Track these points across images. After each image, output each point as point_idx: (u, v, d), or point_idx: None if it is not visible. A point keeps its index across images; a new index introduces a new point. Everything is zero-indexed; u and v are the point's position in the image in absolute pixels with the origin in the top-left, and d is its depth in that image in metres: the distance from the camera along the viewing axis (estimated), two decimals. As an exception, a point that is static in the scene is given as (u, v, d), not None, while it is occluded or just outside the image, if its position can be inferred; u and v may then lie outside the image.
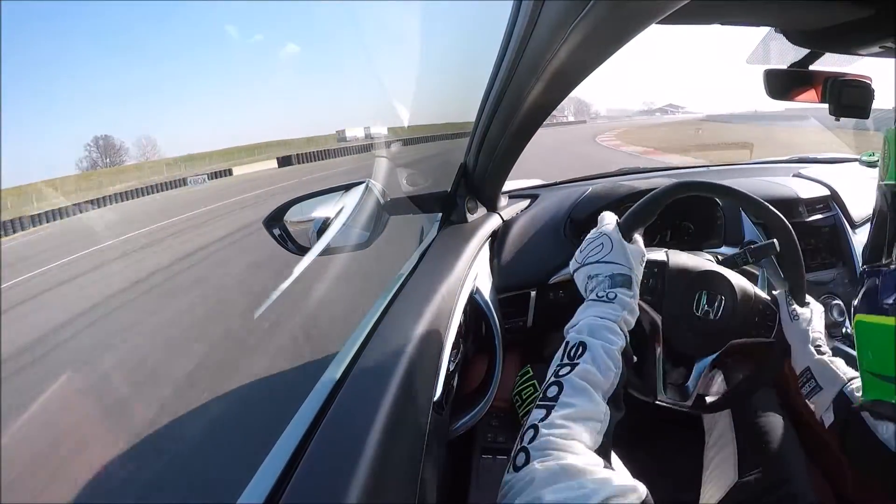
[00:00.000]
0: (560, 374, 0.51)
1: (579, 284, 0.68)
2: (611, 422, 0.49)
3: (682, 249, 0.85)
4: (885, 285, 0.44)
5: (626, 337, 0.57)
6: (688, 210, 1.03)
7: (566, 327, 0.60)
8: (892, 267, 0.43)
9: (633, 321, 0.60)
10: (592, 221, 1.02)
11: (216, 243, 7.04)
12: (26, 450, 2.42)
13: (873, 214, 0.50)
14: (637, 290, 0.64)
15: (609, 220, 0.70)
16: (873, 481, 0.62)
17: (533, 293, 1.00)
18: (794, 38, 0.68)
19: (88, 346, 3.74)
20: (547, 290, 1.01)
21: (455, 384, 0.73)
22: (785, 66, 0.78)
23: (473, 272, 0.82)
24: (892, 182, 0.45)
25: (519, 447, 0.46)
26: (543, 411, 0.48)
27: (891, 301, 0.42)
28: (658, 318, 0.74)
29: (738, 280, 0.75)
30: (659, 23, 0.43)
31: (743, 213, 1.06)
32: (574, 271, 0.69)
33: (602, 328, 0.56)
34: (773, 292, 0.77)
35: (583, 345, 0.54)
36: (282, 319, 3.31)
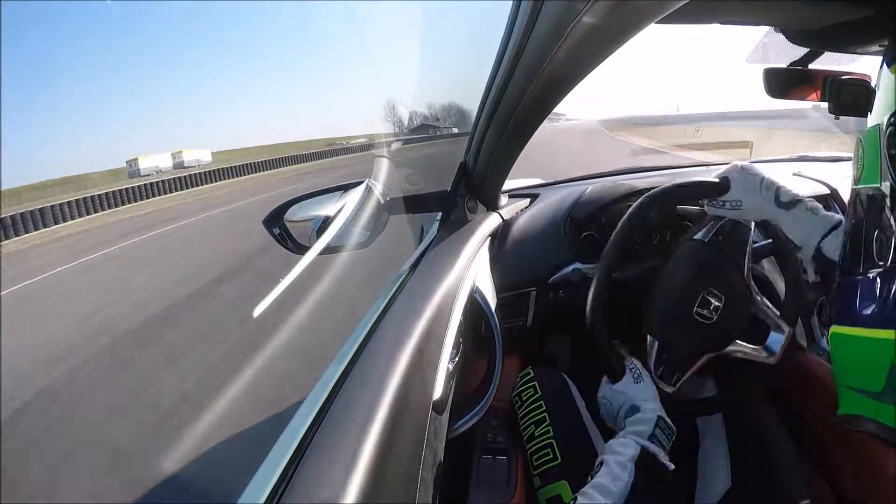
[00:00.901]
0: (583, 489, 0.60)
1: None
2: None
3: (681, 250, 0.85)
4: (862, 295, 0.41)
5: (641, 447, 0.64)
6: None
7: None
8: (871, 276, 0.40)
9: (646, 429, 0.67)
10: (593, 220, 1.03)
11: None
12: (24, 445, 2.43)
13: (847, 220, 0.47)
14: (647, 404, 0.71)
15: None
16: (874, 484, 0.62)
17: (533, 293, 1.00)
18: (794, 37, 0.68)
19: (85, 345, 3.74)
20: (547, 289, 1.01)
21: (455, 384, 0.73)
22: (784, 65, 0.78)
23: (473, 271, 0.82)
24: (865, 185, 0.43)
25: None
26: None
27: (869, 311, 0.40)
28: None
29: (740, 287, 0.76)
30: (659, 22, 0.43)
31: None
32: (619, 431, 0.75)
33: (614, 444, 0.65)
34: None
35: (601, 463, 0.63)
36: (281, 318, 3.31)
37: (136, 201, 14.84)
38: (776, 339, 0.76)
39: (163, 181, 16.77)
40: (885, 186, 0.39)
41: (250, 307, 3.89)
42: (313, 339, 3.02)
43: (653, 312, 0.77)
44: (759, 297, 0.78)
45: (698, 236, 0.79)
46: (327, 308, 3.28)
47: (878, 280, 0.40)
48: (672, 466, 0.63)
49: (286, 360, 2.85)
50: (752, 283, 0.78)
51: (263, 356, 2.94)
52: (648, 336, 0.76)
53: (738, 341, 0.77)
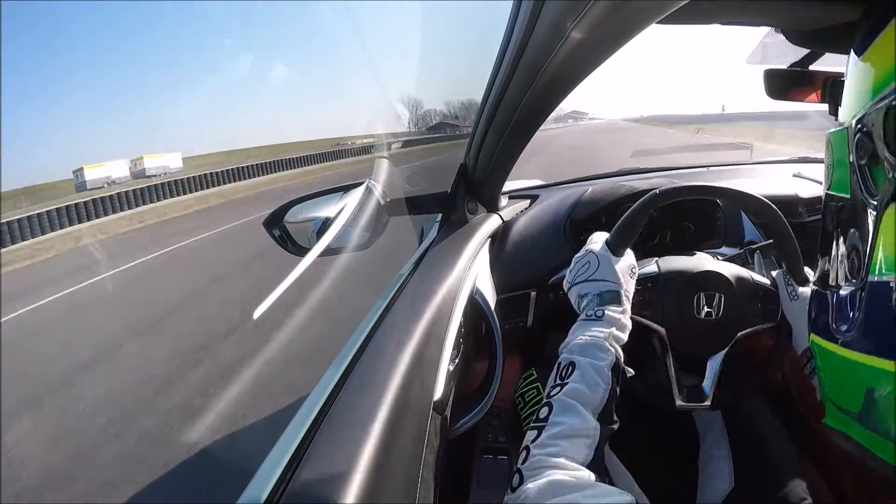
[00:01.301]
0: (551, 394, 0.53)
1: (573, 303, 0.69)
2: (602, 436, 0.50)
3: (682, 249, 0.85)
4: (838, 311, 0.39)
5: (616, 352, 0.58)
6: (687, 210, 1.03)
7: (559, 347, 0.61)
8: (843, 293, 0.38)
9: (624, 336, 0.61)
10: (593, 222, 1.03)
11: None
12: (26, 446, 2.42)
13: (820, 227, 0.44)
14: (628, 304, 0.65)
15: (597, 238, 0.71)
16: (874, 486, 0.61)
17: (533, 293, 1.00)
18: (794, 38, 0.68)
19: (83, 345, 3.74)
20: (547, 290, 1.01)
21: (455, 384, 0.73)
22: (784, 66, 0.78)
23: (473, 272, 0.82)
24: (835, 193, 0.40)
25: (514, 469, 0.47)
26: (535, 432, 0.50)
27: (845, 330, 0.38)
28: (662, 330, 0.74)
29: (732, 271, 0.75)
30: (659, 23, 0.43)
31: (743, 213, 1.06)
32: (567, 291, 0.70)
33: (591, 346, 0.57)
34: (773, 273, 0.77)
35: (572, 364, 0.55)
36: (281, 319, 3.31)
37: (70, 225, 11.46)
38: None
39: (112, 196, 13.58)
40: (857, 199, 0.36)
41: (251, 308, 3.90)
42: (314, 340, 3.02)
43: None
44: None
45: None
46: (328, 309, 3.28)
47: (851, 298, 0.37)
48: (632, 372, 0.59)
49: (286, 360, 2.85)
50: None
51: (264, 357, 2.94)
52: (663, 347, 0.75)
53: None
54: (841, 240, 0.39)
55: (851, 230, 0.38)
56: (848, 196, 0.38)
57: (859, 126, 0.35)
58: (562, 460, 0.46)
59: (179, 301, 4.66)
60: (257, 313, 3.71)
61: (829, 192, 0.41)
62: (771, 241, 0.77)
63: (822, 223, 0.44)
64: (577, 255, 0.71)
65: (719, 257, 0.83)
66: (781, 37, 0.68)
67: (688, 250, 0.86)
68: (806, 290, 0.71)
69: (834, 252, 0.41)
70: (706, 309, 0.73)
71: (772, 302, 0.74)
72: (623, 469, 0.79)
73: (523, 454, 0.48)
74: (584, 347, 0.57)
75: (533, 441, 0.49)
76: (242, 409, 2.41)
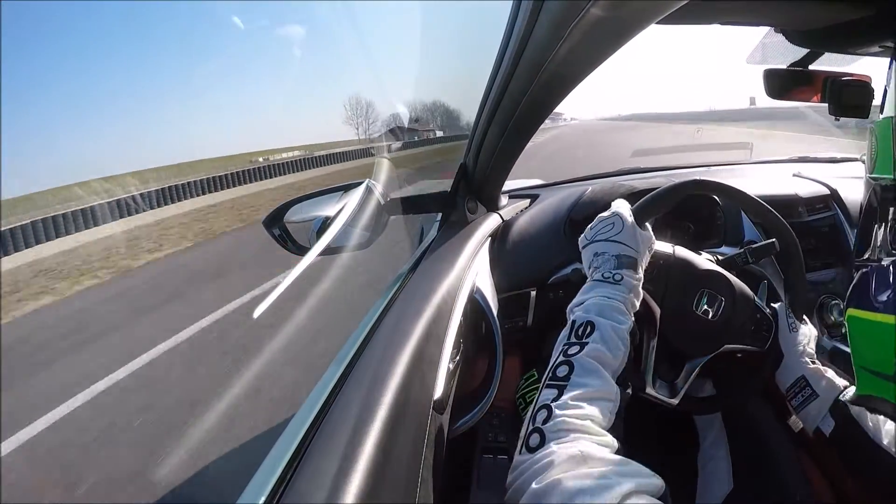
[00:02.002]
0: (570, 353, 0.51)
1: (584, 261, 0.68)
2: (622, 401, 0.49)
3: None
4: (877, 282, 0.43)
5: (632, 318, 0.57)
6: (688, 209, 1.04)
7: (570, 306, 0.60)
8: (885, 263, 0.42)
9: (638, 304, 0.61)
10: (593, 221, 1.03)
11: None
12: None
13: (860, 208, 0.49)
14: (642, 274, 0.64)
15: (623, 205, 0.71)
16: (874, 488, 0.62)
17: (533, 293, 1.00)
18: (794, 37, 0.68)
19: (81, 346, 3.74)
20: (547, 289, 1.01)
21: (455, 384, 0.73)
22: (784, 66, 0.78)
23: (473, 272, 0.82)
24: (879, 175, 0.45)
25: (531, 428, 0.45)
26: (555, 391, 0.47)
27: (884, 298, 0.41)
28: (657, 310, 0.74)
29: (740, 285, 0.75)
30: (659, 23, 0.43)
31: (743, 213, 1.06)
32: (582, 247, 0.69)
33: (610, 308, 0.56)
34: (773, 305, 0.77)
35: (591, 324, 0.54)
36: (281, 319, 3.31)
37: None
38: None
39: None
40: None
41: (251, 309, 3.90)
42: (314, 339, 3.02)
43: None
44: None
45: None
46: (328, 308, 3.28)
47: (893, 268, 0.41)
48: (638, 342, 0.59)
49: (286, 360, 2.85)
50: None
51: (263, 357, 2.94)
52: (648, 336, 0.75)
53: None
54: (884, 218, 0.44)
55: (894, 208, 0.42)
56: (891, 176, 0.42)
57: None
58: (588, 423, 0.44)
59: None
60: (257, 313, 3.71)
61: (873, 176, 0.45)
62: (771, 241, 0.77)
63: (864, 206, 0.47)
64: (601, 215, 0.70)
65: (719, 257, 0.83)
66: (781, 37, 0.68)
67: (688, 250, 0.86)
68: (805, 328, 0.73)
69: (876, 230, 0.45)
70: (705, 307, 0.73)
71: (766, 329, 0.74)
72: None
73: (543, 412, 0.46)
74: (602, 308, 0.56)
75: (554, 400, 0.47)
76: (242, 408, 2.41)
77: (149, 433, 2.39)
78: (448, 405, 0.62)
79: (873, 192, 0.46)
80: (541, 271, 1.01)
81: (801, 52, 0.74)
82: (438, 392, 0.58)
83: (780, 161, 1.55)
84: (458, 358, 0.69)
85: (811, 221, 1.13)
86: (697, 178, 0.74)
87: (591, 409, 0.46)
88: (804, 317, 0.74)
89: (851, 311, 0.46)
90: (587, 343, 0.52)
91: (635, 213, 0.69)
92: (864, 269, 0.45)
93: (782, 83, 0.79)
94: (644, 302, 0.73)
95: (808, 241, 1.11)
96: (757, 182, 1.21)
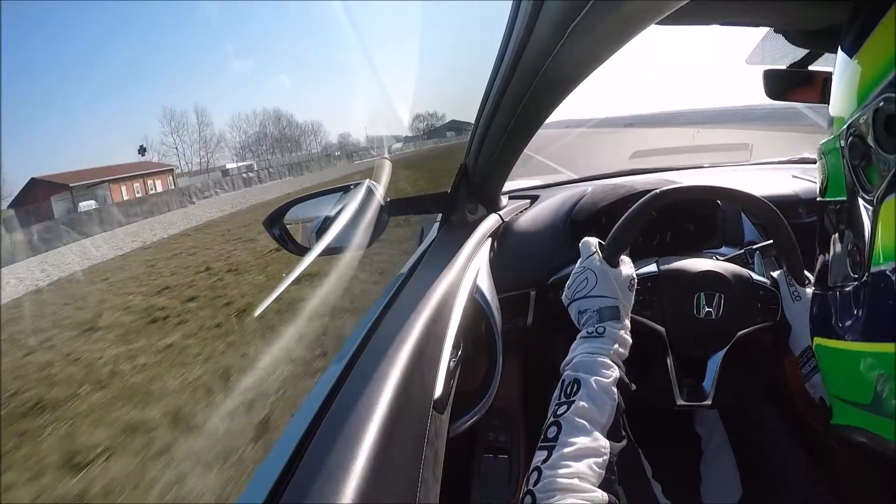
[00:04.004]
0: (558, 413, 0.53)
1: (573, 318, 0.69)
2: (612, 454, 0.50)
3: (681, 249, 0.85)
4: (841, 307, 0.40)
5: (619, 368, 0.58)
6: (687, 211, 1.04)
7: (562, 365, 0.61)
8: (848, 289, 0.39)
9: (625, 352, 0.61)
10: (593, 222, 1.03)
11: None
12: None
13: (817, 231, 0.46)
14: (626, 319, 0.65)
15: (591, 248, 0.70)
16: (874, 470, 0.61)
17: (533, 293, 1.00)
18: (794, 38, 0.68)
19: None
20: (547, 290, 1.01)
21: (455, 383, 0.73)
22: (784, 67, 0.78)
23: (473, 272, 0.82)
24: (832, 198, 0.41)
25: (525, 490, 0.47)
26: (545, 452, 0.49)
27: (849, 324, 0.39)
28: (662, 330, 0.74)
29: (732, 271, 0.75)
30: (659, 23, 0.43)
31: (743, 213, 1.06)
32: (567, 306, 0.70)
33: (594, 364, 0.57)
34: (773, 273, 0.77)
35: (577, 381, 0.55)
36: (282, 319, 3.31)
37: None
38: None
39: None
40: (853, 199, 0.38)
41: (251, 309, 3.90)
42: (314, 338, 3.02)
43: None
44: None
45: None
46: (328, 308, 3.28)
47: (854, 294, 0.38)
48: (634, 387, 0.59)
49: (286, 359, 2.85)
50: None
51: (263, 356, 2.94)
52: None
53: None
54: (840, 241, 0.40)
55: (850, 230, 0.39)
56: (844, 198, 0.39)
57: (851, 129, 0.36)
58: (575, 482, 0.46)
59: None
60: (257, 312, 3.71)
61: (825, 199, 0.42)
62: (771, 241, 0.77)
63: (818, 229, 0.45)
64: (574, 270, 0.71)
65: (719, 257, 0.84)
66: (781, 37, 0.68)
67: (688, 250, 0.86)
68: (808, 291, 0.72)
69: (833, 253, 0.42)
70: (706, 309, 0.73)
71: (772, 301, 0.74)
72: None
73: (534, 475, 0.48)
74: (588, 365, 0.58)
75: (543, 462, 0.48)
76: (242, 408, 2.41)
77: (148, 434, 2.39)
78: (448, 405, 0.62)
79: (826, 216, 0.43)
80: (541, 271, 1.01)
81: (801, 52, 0.74)
82: (438, 392, 0.58)
83: (780, 162, 1.55)
84: (458, 358, 0.69)
85: (811, 222, 1.13)
86: (656, 190, 0.73)
87: (580, 467, 0.47)
88: (807, 277, 0.72)
89: (818, 340, 0.44)
90: (573, 401, 0.53)
91: (606, 253, 0.69)
92: (824, 295, 0.43)
93: (782, 83, 0.79)
94: (647, 327, 0.74)
95: (808, 241, 1.10)
96: (756, 183, 1.21)
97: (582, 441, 0.49)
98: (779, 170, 1.43)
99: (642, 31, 0.43)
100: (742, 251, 0.84)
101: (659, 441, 0.94)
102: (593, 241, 0.71)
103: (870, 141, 0.34)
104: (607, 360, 0.58)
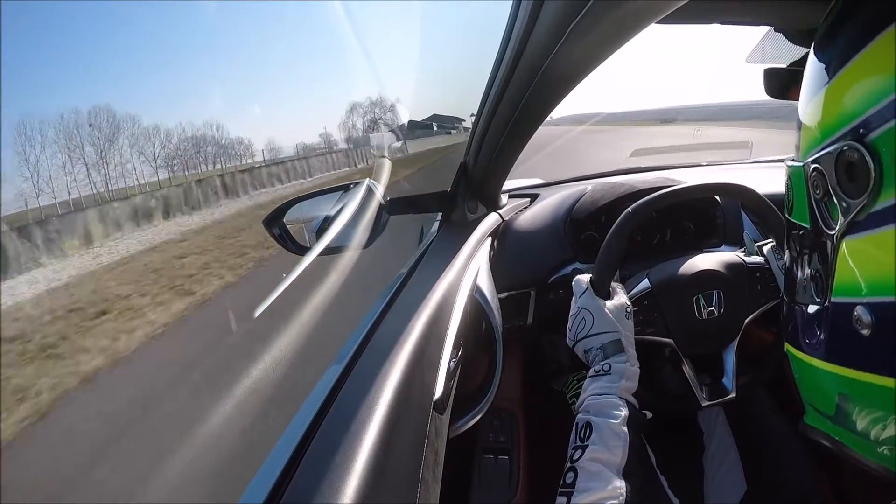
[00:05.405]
0: (574, 458, 0.55)
1: (581, 358, 0.70)
2: (629, 493, 0.52)
3: (681, 249, 0.85)
4: (806, 325, 0.41)
5: (628, 404, 0.59)
6: (687, 210, 1.03)
7: (576, 406, 0.62)
8: (810, 310, 0.40)
9: (633, 385, 0.62)
10: (592, 221, 1.03)
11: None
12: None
13: (786, 248, 0.46)
14: (631, 348, 0.66)
15: (582, 285, 0.71)
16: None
17: (533, 292, 1.00)
18: (794, 37, 0.68)
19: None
20: (547, 289, 1.01)
21: (455, 383, 0.73)
22: (784, 66, 0.78)
23: (473, 271, 0.82)
24: (796, 221, 0.41)
25: None
26: (564, 499, 0.51)
27: (813, 342, 0.39)
28: (671, 342, 0.74)
29: (724, 262, 0.75)
30: (659, 23, 0.43)
31: (743, 212, 1.06)
32: (572, 348, 0.71)
33: (604, 406, 0.59)
34: (763, 248, 0.77)
35: (589, 425, 0.57)
36: (282, 319, 3.31)
37: None
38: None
39: None
40: (816, 229, 0.38)
41: (250, 309, 3.90)
42: (313, 338, 3.02)
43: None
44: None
45: None
46: (327, 308, 3.28)
47: (817, 316, 0.39)
48: (650, 415, 0.61)
49: (286, 360, 2.85)
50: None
51: (264, 356, 2.94)
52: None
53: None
54: (805, 263, 0.41)
55: (814, 255, 0.39)
56: (808, 226, 0.39)
57: (815, 165, 0.36)
58: None
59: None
60: (257, 312, 3.71)
61: (791, 220, 0.43)
62: (770, 240, 0.77)
63: (786, 246, 0.45)
64: (571, 312, 0.72)
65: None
66: (781, 36, 0.68)
67: (687, 250, 0.86)
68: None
69: (798, 274, 0.42)
70: (708, 309, 0.73)
71: (770, 279, 0.74)
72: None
73: None
74: (598, 407, 0.59)
75: None
76: (242, 408, 2.41)
77: (148, 434, 2.39)
78: (448, 405, 0.62)
79: (791, 236, 0.43)
80: (541, 271, 1.01)
81: (801, 50, 0.74)
82: (438, 392, 0.58)
83: (780, 160, 1.55)
84: (458, 358, 0.69)
85: None
86: (629, 208, 0.74)
87: None
88: None
89: (788, 347, 0.45)
90: (587, 446, 0.55)
91: (595, 284, 0.70)
92: (791, 307, 0.44)
93: (782, 83, 0.78)
94: (657, 343, 0.75)
95: None
96: (757, 181, 1.21)
97: (598, 486, 0.52)
98: (779, 168, 1.43)
99: (642, 31, 0.43)
100: (742, 251, 0.84)
101: (661, 436, 0.95)
102: (584, 279, 0.72)
103: (830, 182, 0.34)
104: (616, 400, 0.59)
